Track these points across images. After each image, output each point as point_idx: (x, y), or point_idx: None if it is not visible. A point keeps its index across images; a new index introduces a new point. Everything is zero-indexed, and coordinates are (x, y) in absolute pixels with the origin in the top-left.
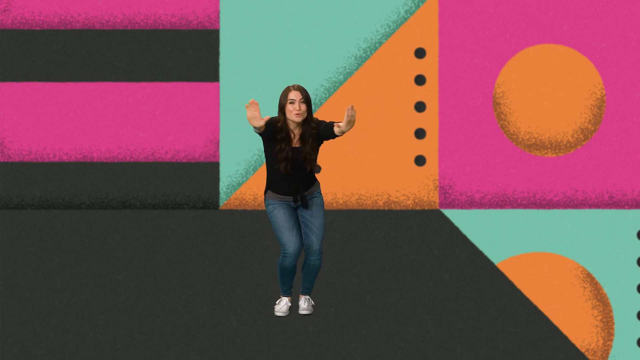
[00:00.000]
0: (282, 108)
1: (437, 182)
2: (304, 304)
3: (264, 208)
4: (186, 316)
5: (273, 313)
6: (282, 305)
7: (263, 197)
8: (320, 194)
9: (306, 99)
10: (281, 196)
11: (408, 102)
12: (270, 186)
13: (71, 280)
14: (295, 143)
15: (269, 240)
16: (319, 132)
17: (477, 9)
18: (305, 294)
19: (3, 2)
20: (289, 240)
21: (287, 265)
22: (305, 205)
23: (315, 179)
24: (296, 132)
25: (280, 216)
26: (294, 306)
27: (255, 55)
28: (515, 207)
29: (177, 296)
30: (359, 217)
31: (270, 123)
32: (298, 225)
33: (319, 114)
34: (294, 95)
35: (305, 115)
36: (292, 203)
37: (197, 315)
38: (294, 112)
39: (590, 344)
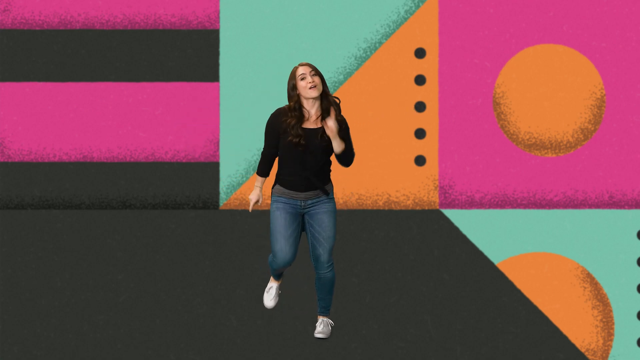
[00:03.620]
0: (293, 88)
1: (437, 182)
2: (320, 327)
3: (265, 208)
4: (186, 316)
5: (273, 313)
6: (271, 294)
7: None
8: (333, 198)
9: (317, 72)
10: (289, 191)
11: (408, 102)
12: (279, 179)
13: (71, 280)
14: (311, 124)
15: (269, 240)
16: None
17: (477, 9)
18: (323, 314)
19: (3, 2)
20: (282, 249)
21: (277, 267)
22: (315, 186)
23: (330, 180)
24: (312, 112)
25: (281, 220)
26: (294, 306)
27: (255, 55)
28: (515, 207)
29: (177, 296)
30: (359, 217)
31: (277, 119)
32: (297, 234)
33: None
34: (303, 69)
35: (322, 88)
36: (300, 202)
37: (197, 315)
38: (309, 87)
39: (590, 344)
